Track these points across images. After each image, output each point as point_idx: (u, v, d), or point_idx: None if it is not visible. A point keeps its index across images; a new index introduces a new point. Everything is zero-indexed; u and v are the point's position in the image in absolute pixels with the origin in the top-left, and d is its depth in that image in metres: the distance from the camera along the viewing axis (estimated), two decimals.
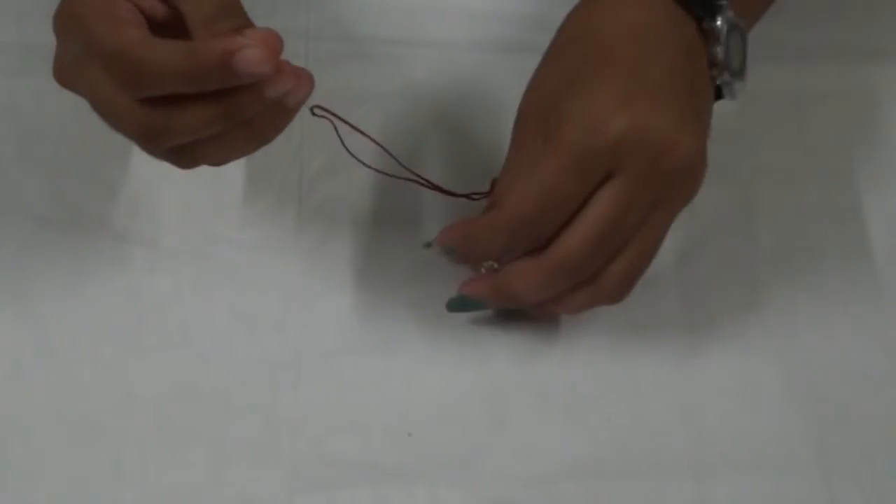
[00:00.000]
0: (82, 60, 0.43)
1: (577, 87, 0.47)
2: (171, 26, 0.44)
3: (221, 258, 0.56)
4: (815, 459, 0.52)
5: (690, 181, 0.47)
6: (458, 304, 0.52)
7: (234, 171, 0.57)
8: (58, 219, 0.56)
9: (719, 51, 0.48)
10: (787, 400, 0.54)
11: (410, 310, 0.55)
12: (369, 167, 0.53)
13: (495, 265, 0.50)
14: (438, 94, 0.60)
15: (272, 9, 0.60)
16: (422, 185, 0.54)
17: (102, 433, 0.51)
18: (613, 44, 0.47)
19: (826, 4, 0.64)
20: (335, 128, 0.49)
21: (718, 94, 0.50)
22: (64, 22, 0.44)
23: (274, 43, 0.41)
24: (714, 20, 0.48)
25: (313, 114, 0.48)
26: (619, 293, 0.49)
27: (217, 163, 0.46)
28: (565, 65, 0.48)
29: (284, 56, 0.42)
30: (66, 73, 0.44)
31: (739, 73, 0.50)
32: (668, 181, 0.46)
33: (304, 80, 0.43)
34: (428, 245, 0.50)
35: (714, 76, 0.49)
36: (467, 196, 0.55)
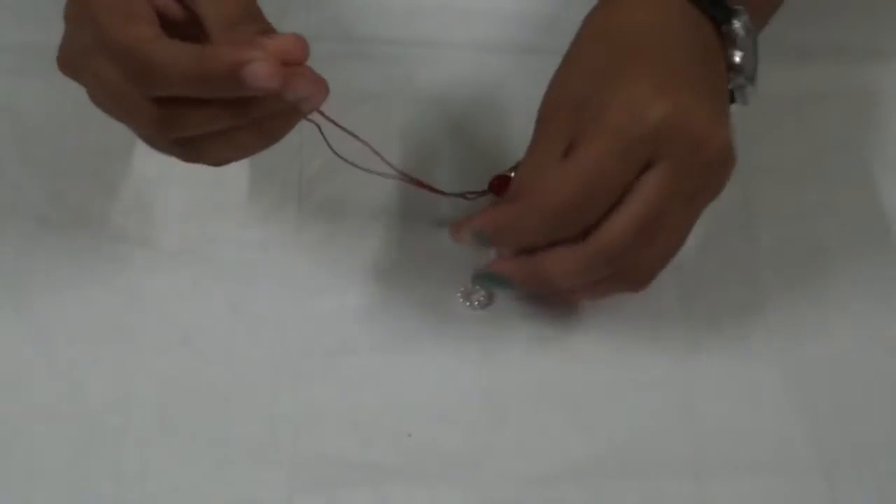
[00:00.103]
0: (91, 51, 0.42)
1: (611, 81, 0.46)
2: (184, 26, 0.44)
3: (221, 258, 0.56)
4: (816, 459, 0.52)
5: (723, 174, 0.47)
6: (485, 280, 0.52)
7: (234, 171, 0.57)
8: (58, 219, 0.56)
9: (737, 54, 0.48)
10: (787, 400, 0.54)
11: (411, 310, 0.55)
12: (364, 170, 0.53)
13: None
14: (438, 94, 0.61)
15: (273, 8, 0.60)
16: (418, 186, 0.54)
17: (102, 433, 0.51)
18: (638, 42, 0.47)
19: (826, 4, 0.64)
20: (321, 132, 0.49)
21: (731, 99, 0.50)
22: (76, 10, 0.43)
23: (300, 50, 0.41)
24: (731, 23, 0.48)
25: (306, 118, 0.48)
26: (644, 282, 0.49)
27: (220, 161, 0.46)
28: (590, 65, 0.48)
29: None
30: (72, 62, 0.44)
31: (751, 78, 0.50)
32: (705, 171, 0.46)
33: (322, 86, 0.43)
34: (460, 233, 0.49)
35: (729, 79, 0.49)
36: (462, 195, 0.55)
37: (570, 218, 0.46)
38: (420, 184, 0.54)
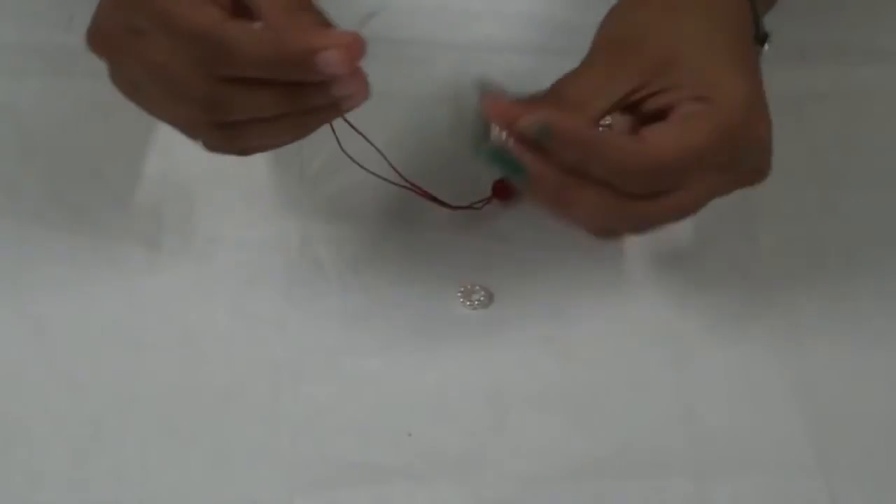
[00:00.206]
0: (142, 31, 0.42)
1: (691, 41, 0.46)
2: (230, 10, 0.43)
3: (221, 258, 0.56)
4: (816, 459, 0.52)
5: (763, 164, 0.47)
6: (496, 155, 0.44)
7: (234, 171, 0.57)
8: (58, 219, 0.56)
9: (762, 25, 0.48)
10: (787, 400, 0.54)
11: (411, 310, 0.55)
12: (368, 171, 0.53)
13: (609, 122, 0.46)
14: (439, 94, 0.60)
15: None
16: (424, 196, 0.54)
17: (102, 433, 0.51)
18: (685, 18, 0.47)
19: (826, 4, 0.64)
20: (332, 129, 0.50)
21: None
22: None
23: (358, 47, 0.42)
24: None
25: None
26: (642, 226, 0.46)
27: (251, 150, 0.46)
28: (658, 3, 0.47)
29: None
30: (111, 40, 0.44)
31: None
32: (747, 151, 0.46)
33: (366, 89, 0.43)
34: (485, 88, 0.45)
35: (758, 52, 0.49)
36: (469, 207, 0.55)
37: (647, 180, 0.44)
38: (427, 195, 0.54)
